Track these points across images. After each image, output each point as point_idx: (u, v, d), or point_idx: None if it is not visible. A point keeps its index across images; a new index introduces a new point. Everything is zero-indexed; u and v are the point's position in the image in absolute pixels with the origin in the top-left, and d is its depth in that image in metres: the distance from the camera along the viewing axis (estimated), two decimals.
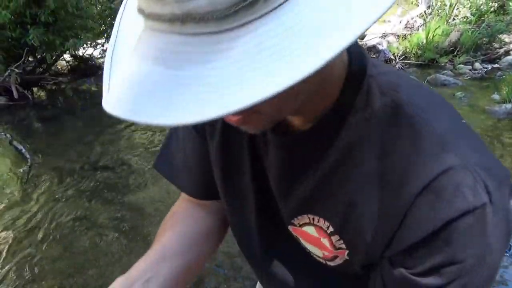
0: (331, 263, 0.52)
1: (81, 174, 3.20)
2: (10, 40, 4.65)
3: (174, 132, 0.67)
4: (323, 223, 0.49)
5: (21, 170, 3.21)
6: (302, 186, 0.50)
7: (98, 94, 5.25)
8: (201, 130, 0.60)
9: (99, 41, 5.96)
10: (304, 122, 0.47)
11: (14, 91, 4.69)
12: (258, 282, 0.87)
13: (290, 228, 0.55)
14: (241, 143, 0.55)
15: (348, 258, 0.49)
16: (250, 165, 0.55)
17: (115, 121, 4.24)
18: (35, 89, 5.28)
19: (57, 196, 2.89)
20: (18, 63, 4.68)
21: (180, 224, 0.66)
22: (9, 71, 4.60)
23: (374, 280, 0.48)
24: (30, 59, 5.25)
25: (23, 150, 3.44)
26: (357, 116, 0.43)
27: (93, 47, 6.00)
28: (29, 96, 4.86)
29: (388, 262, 0.45)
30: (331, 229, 0.49)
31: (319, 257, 0.53)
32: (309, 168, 0.48)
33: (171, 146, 0.67)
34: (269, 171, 0.54)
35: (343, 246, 0.48)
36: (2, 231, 2.52)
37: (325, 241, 0.50)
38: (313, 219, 0.50)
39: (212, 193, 0.65)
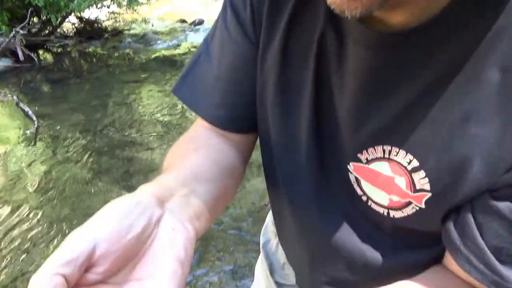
0: (397, 214, 0.44)
1: (88, 136, 3.18)
2: (13, 0, 4.53)
3: (204, 52, 0.56)
4: (403, 157, 0.40)
5: (28, 132, 3.19)
6: (387, 105, 0.40)
7: (105, 57, 5.17)
8: (254, 33, 0.50)
9: (105, 3, 5.80)
10: (408, 18, 0.37)
11: (19, 53, 4.62)
12: (264, 244, 0.83)
13: (351, 166, 0.46)
14: (305, 55, 0.46)
15: (424, 206, 0.41)
16: (313, 81, 0.45)
17: (122, 84, 4.18)
18: (41, 52, 5.20)
19: (65, 158, 2.89)
20: (22, 24, 4.59)
21: (205, 150, 0.53)
22: (13, 32, 4.51)
23: (450, 232, 0.40)
24: (35, 20, 5.15)
25: (30, 112, 3.41)
26: (480, 22, 0.34)
27: (99, 9, 5.85)
28: (35, 58, 4.79)
29: (490, 197, 0.36)
30: (414, 164, 0.39)
31: (381, 205, 0.45)
32: (405, 80, 0.38)
33: (196, 69, 0.56)
34: (342, 89, 0.44)
35: (427, 187, 0.39)
36: (11, 192, 2.52)
37: (401, 181, 0.41)
38: (390, 151, 0.41)
39: (241, 123, 0.55)
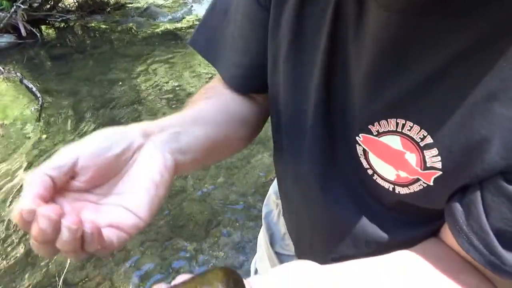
0: (403, 190, 0.42)
1: (93, 112, 3.17)
2: None
3: (219, 1, 0.57)
4: (417, 132, 0.38)
5: (33, 108, 3.18)
6: (406, 76, 0.38)
7: (108, 32, 5.09)
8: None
9: None
10: None
11: (21, 29, 4.56)
12: (265, 221, 0.82)
13: (360, 137, 0.44)
14: (321, 20, 0.44)
15: (432, 184, 0.39)
16: (326, 46, 0.43)
17: (126, 59, 4.13)
18: (43, 27, 5.13)
19: (70, 134, 2.88)
20: None
21: (215, 98, 0.56)
22: (14, 7, 4.44)
23: (453, 209, 0.39)
24: None
25: (34, 89, 3.39)
26: None
27: None
28: (37, 34, 4.74)
29: (503, 180, 0.34)
30: (427, 140, 0.38)
31: (387, 180, 0.43)
32: (429, 50, 0.35)
33: (212, 20, 0.57)
34: (359, 56, 0.41)
35: (438, 165, 0.38)
36: (17, 169, 2.54)
37: (411, 158, 0.40)
38: (404, 125, 0.39)
39: (254, 85, 0.56)
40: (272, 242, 0.80)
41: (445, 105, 0.35)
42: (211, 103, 0.54)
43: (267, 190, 0.85)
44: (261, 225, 0.84)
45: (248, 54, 0.54)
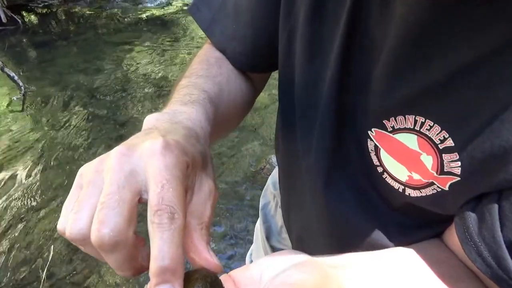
0: (414, 193, 0.39)
1: (79, 101, 3.09)
2: None
3: None
4: (437, 133, 0.34)
5: (15, 98, 3.09)
6: (432, 68, 0.34)
7: (92, 18, 4.95)
8: None
9: None
10: None
11: (1, 15, 4.41)
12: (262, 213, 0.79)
13: (373, 131, 0.40)
14: (340, 2, 0.40)
15: (448, 189, 0.36)
16: (345, 30, 0.40)
17: (112, 46, 4.03)
18: (24, 13, 4.96)
19: (55, 124, 2.81)
20: None
21: (222, 74, 0.53)
22: None
23: (465, 215, 0.36)
24: None
25: (16, 78, 3.28)
26: None
27: None
28: (19, 20, 4.58)
29: None
30: (448, 143, 0.34)
31: (398, 181, 0.40)
32: (460, 42, 0.31)
33: None
34: (380, 43, 0.37)
35: (456, 171, 0.34)
36: (1, 161, 2.46)
37: (427, 160, 0.36)
38: (423, 124, 0.35)
39: (254, 62, 0.54)
40: (268, 236, 0.77)
41: (472, 106, 0.31)
42: (221, 84, 0.51)
43: (258, 179, 0.83)
44: (252, 214, 0.82)
45: (250, 28, 0.51)
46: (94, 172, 0.29)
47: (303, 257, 0.34)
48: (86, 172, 0.29)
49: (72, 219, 0.27)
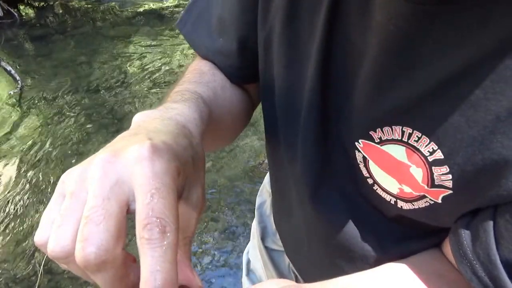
0: (406, 205, 0.37)
1: (76, 95, 3.07)
2: None
3: None
4: (426, 145, 0.32)
5: (12, 92, 3.06)
6: (419, 77, 0.32)
7: (89, 11, 4.92)
8: None
9: None
10: None
11: None
12: (258, 211, 0.78)
13: (360, 143, 0.39)
14: (317, 3, 0.38)
15: (441, 202, 0.34)
16: (323, 35, 0.38)
17: (109, 40, 4.00)
18: (21, 7, 4.91)
19: (52, 118, 2.79)
20: None
21: (217, 85, 0.51)
22: None
23: (459, 231, 0.34)
24: None
25: (13, 72, 3.26)
26: None
27: None
28: (15, 13, 4.54)
29: None
30: (437, 155, 0.32)
31: (389, 193, 0.38)
32: (448, 49, 0.29)
33: (199, 4, 0.53)
34: (363, 50, 0.35)
35: (448, 184, 0.33)
36: None
37: (417, 173, 0.34)
38: (410, 135, 0.33)
39: (242, 73, 0.52)
40: (263, 236, 0.76)
41: (462, 117, 0.30)
42: (215, 89, 0.49)
43: (256, 174, 0.82)
44: (251, 209, 0.81)
45: (235, 40, 0.50)
46: (77, 181, 0.26)
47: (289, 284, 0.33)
48: (69, 181, 0.27)
49: (54, 235, 0.24)
